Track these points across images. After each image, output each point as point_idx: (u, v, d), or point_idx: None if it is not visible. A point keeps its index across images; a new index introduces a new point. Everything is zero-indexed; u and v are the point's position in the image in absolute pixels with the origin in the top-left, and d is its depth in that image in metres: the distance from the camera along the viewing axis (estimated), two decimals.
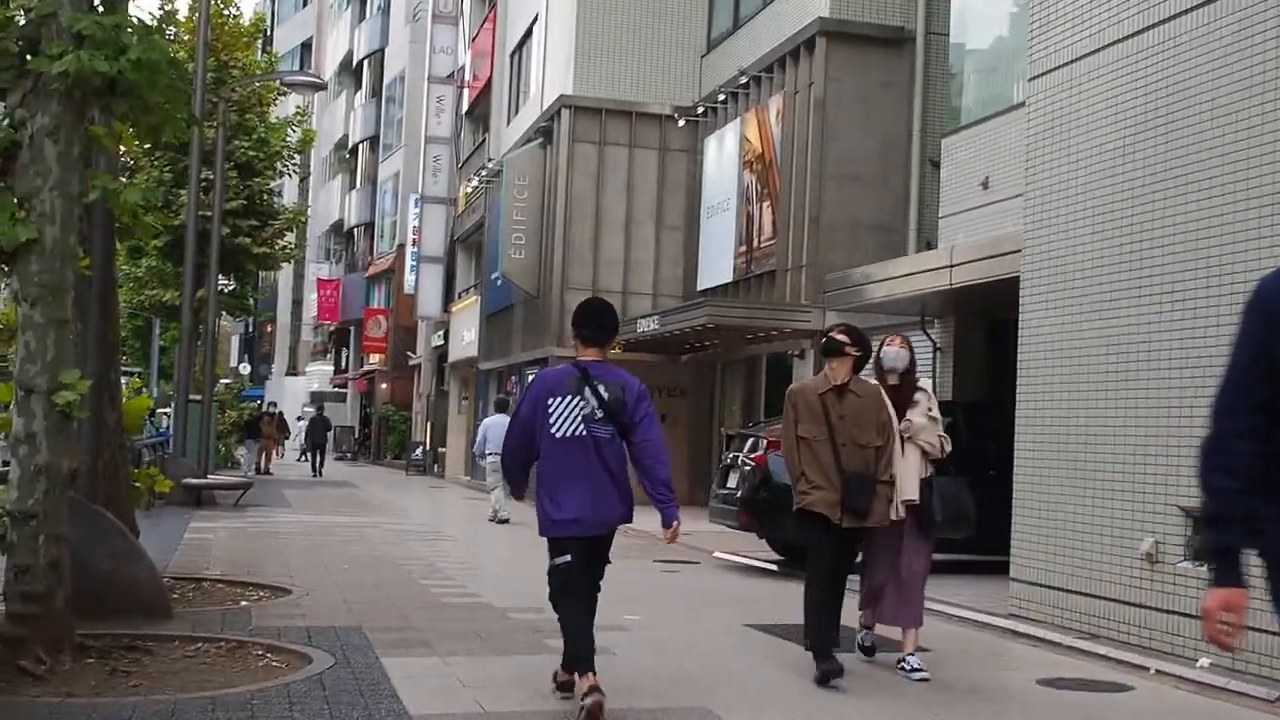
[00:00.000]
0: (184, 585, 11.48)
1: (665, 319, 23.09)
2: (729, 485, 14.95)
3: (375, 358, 51.31)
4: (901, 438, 8.34)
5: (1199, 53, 9.37)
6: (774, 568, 15.09)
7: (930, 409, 8.50)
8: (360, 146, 57.55)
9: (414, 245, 42.31)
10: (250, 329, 78.69)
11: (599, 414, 6.98)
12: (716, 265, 25.14)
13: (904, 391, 8.53)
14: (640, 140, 27.04)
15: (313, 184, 66.81)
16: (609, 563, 7.42)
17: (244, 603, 10.69)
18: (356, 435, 56.50)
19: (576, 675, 6.87)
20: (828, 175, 21.34)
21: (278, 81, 31.43)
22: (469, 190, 36.62)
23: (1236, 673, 8.54)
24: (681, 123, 26.54)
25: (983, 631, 10.69)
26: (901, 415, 8.39)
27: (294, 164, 36.54)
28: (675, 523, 7.10)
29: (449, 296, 40.09)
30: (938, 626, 10.73)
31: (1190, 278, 9.25)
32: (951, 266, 14.18)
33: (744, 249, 23.91)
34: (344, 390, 61.14)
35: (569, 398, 7.01)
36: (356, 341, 55.50)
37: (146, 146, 30.98)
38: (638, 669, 8.51)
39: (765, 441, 14.38)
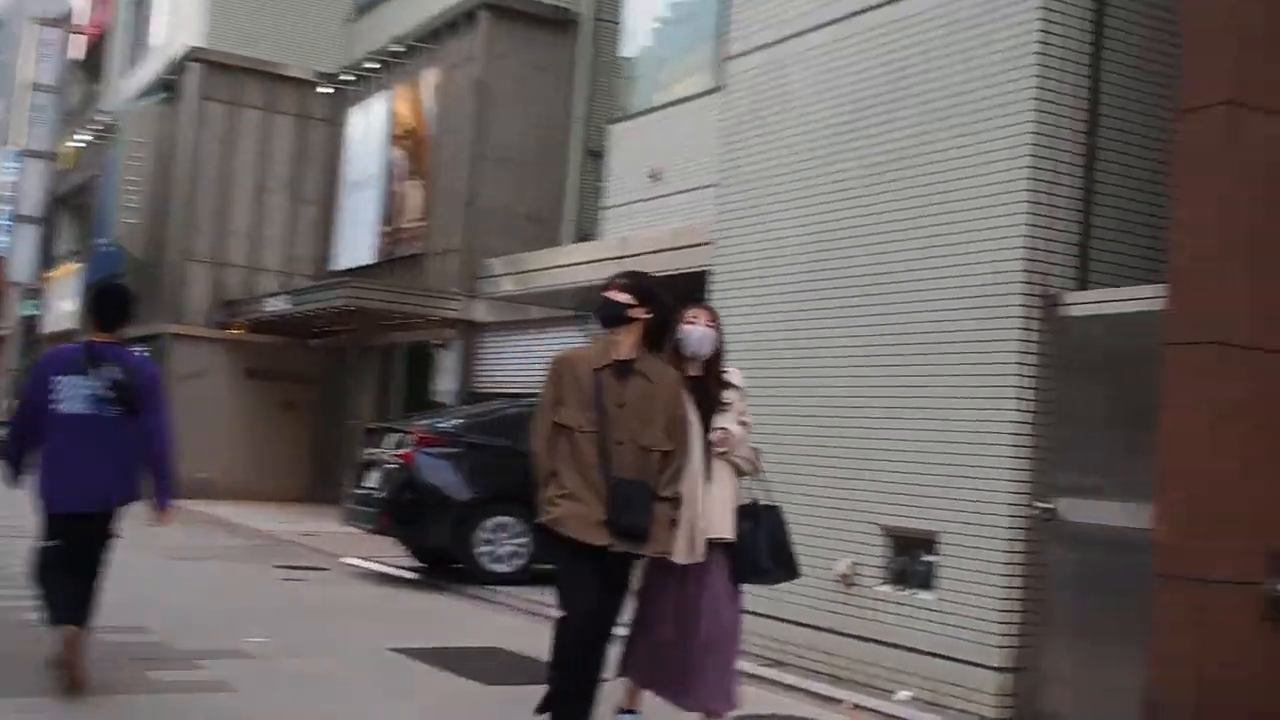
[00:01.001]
0: None
1: (298, 299, 21.24)
2: (368, 484, 13.42)
3: None
4: (710, 451, 6.38)
5: (927, 35, 8.62)
6: (413, 575, 13.67)
7: (743, 412, 6.61)
8: None
9: (8, 203, 38.45)
10: None
11: (108, 394, 7.00)
12: (356, 245, 23.43)
13: (708, 386, 6.45)
14: (278, 105, 24.97)
15: None
16: (111, 539, 7.29)
17: None
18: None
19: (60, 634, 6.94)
20: (485, 157, 20.04)
21: None
22: (78, 146, 33.35)
23: (937, 706, 7.92)
24: (327, 89, 24.66)
25: None
26: (705, 417, 6.40)
27: None
28: (169, 507, 7.30)
29: (47, 261, 36.53)
30: None
31: (890, 278, 8.55)
32: (623, 258, 13.13)
33: (388, 229, 22.32)
34: None
35: (76, 376, 7.01)
36: None
37: None
38: (271, 713, 6.97)
39: (413, 437, 12.95)
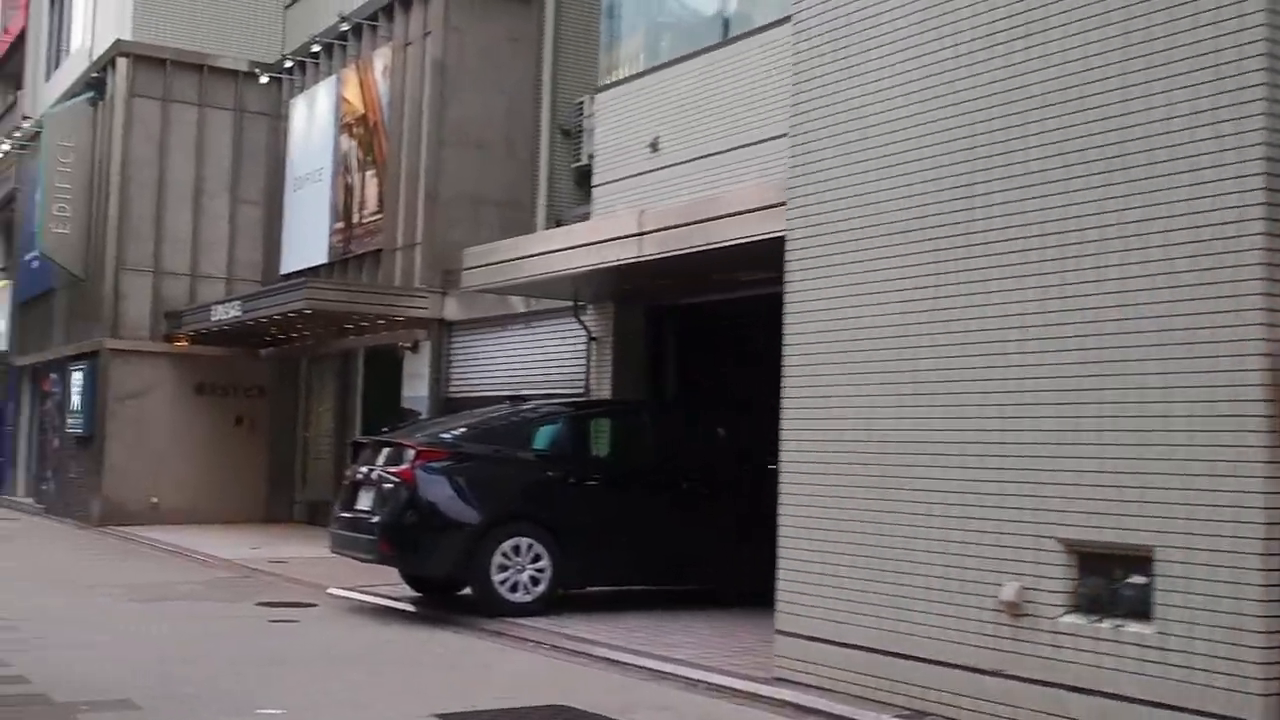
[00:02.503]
0: None
1: (250, 304, 19.53)
2: (360, 507, 11.80)
3: None
4: None
5: None
6: (412, 609, 12.09)
7: None
8: None
9: None
10: None
11: None
12: (307, 245, 21.73)
13: None
14: (212, 99, 23.16)
15: None
16: None
17: None
18: None
19: None
20: (447, 141, 18.44)
21: None
22: None
23: None
24: (264, 79, 22.93)
25: (750, 707, 8.06)
26: None
27: None
28: None
29: None
30: (680, 698, 8.13)
31: (1036, 235, 6.99)
32: (641, 235, 11.63)
33: (342, 225, 20.65)
34: None
35: None
36: None
37: None
38: None
39: (411, 452, 11.35)
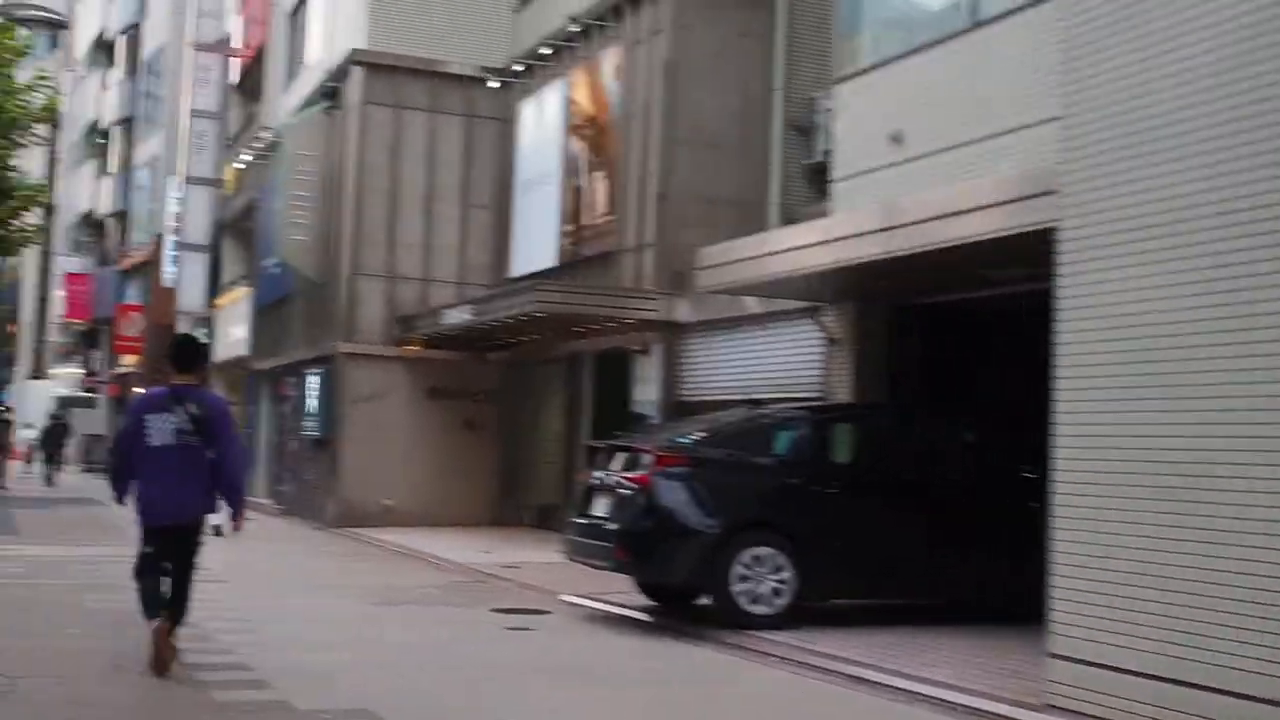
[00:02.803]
0: None
1: (482, 308, 19.52)
2: (596, 513, 11.48)
3: (129, 359, 46.17)
4: None
5: None
6: (647, 618, 11.72)
7: None
8: (113, 129, 52.17)
9: (174, 233, 37.55)
10: None
11: (189, 428, 8.34)
12: (535, 248, 21.65)
13: None
14: (443, 105, 23.32)
15: (62, 171, 60.85)
16: (198, 545, 8.62)
17: None
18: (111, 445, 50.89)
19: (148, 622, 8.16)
20: (678, 141, 18.11)
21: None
22: (239, 168, 32.24)
23: None
24: (494, 84, 22.97)
25: None
26: None
27: (35, 136, 31.58)
28: (240, 520, 8.75)
29: (214, 289, 35.56)
30: None
31: None
32: (890, 230, 11.02)
33: (571, 228, 20.49)
34: (94, 395, 55.49)
35: (163, 414, 8.38)
36: (109, 341, 50.19)
37: None
38: None
39: (649, 457, 10.97)
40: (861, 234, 11.42)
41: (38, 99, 30.32)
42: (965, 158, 12.18)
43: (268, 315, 28.69)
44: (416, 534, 20.18)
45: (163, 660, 8.05)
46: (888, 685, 8.67)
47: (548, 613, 12.08)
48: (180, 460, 8.32)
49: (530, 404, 23.19)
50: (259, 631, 10.31)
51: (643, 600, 12.25)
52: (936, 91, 12.75)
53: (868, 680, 8.85)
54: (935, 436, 12.40)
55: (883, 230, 11.07)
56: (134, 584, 8.40)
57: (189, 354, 8.85)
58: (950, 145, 12.34)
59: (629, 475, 11.07)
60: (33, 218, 34.12)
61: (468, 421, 23.11)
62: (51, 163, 58.46)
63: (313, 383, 23.88)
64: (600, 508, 11.42)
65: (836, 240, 11.89)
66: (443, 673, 8.92)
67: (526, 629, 11.05)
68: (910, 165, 12.96)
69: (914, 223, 10.72)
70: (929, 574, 11.39)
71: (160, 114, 44.62)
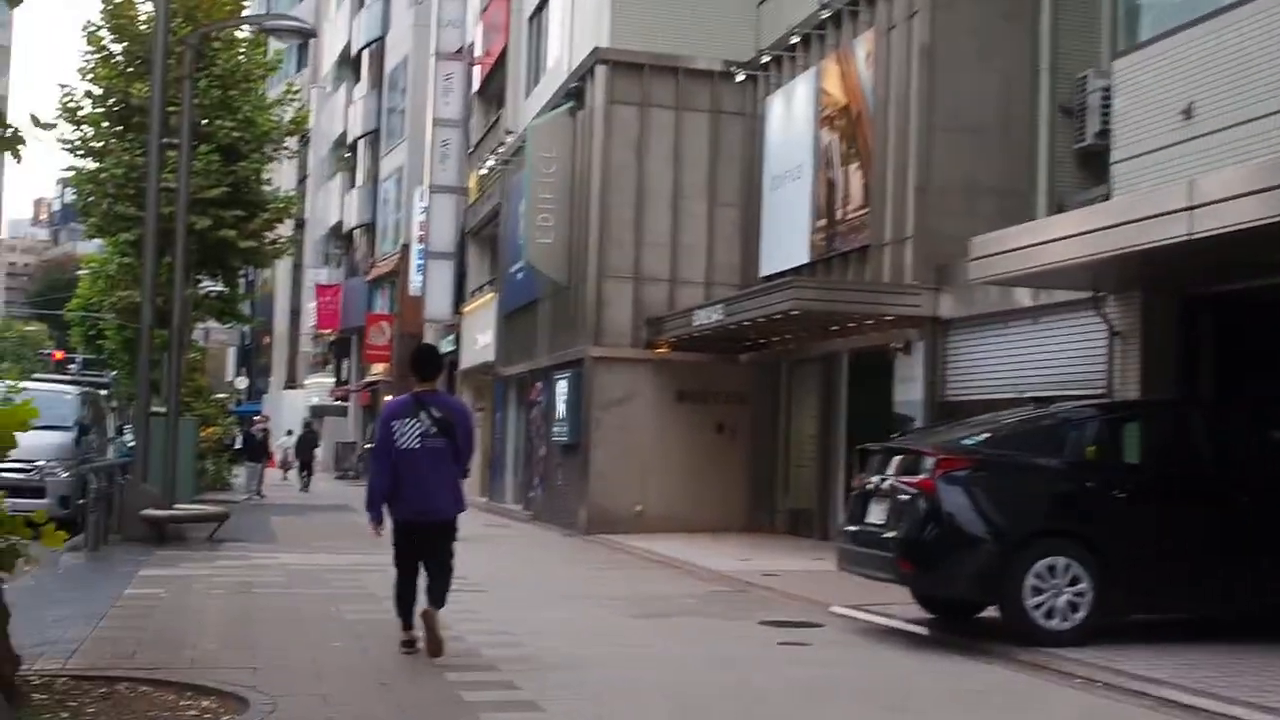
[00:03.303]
0: (84, 691, 7.46)
1: (733, 307, 18.99)
2: (871, 520, 10.76)
3: (379, 368, 47.15)
4: None
5: None
6: (926, 631, 10.96)
7: None
8: (360, 142, 53.48)
9: (420, 242, 38.10)
10: (247, 340, 74.59)
11: (433, 430, 9.14)
12: (785, 245, 21.01)
13: None
14: (688, 102, 22.86)
15: (311, 185, 62.77)
16: (454, 541, 9.36)
17: None
18: (360, 452, 52.04)
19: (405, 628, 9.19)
20: (937, 128, 17.25)
21: (259, 36, 27.29)
22: (482, 174, 32.43)
23: None
24: (740, 78, 22.43)
25: None
26: None
27: (285, 149, 32.32)
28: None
29: (460, 297, 35.93)
30: None
31: None
32: (1191, 209, 10.03)
33: (824, 223, 19.78)
34: (345, 404, 56.98)
35: (409, 419, 9.18)
36: (358, 351, 51.41)
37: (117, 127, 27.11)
38: None
39: (931, 460, 10.21)
40: (1155, 216, 10.42)
41: (287, 113, 31.03)
42: (1263, 130, 11.12)
43: (514, 320, 28.72)
44: (668, 540, 19.74)
45: (434, 644, 8.88)
46: (1214, 712, 7.78)
47: (819, 625, 11.41)
48: (428, 462, 9.10)
49: (782, 406, 22.54)
50: (523, 646, 9.89)
51: (918, 612, 11.48)
52: (1228, 62, 11.69)
53: (1191, 706, 7.96)
54: (1242, 434, 11.31)
55: (1182, 211, 10.08)
56: (392, 588, 9.32)
57: (428, 362, 9.63)
58: (1249, 118, 11.28)
59: (908, 480, 10.31)
60: (284, 230, 35.00)
61: (719, 425, 22.62)
62: (301, 177, 60.43)
63: (561, 387, 23.72)
64: (876, 515, 10.69)
65: (1125, 225, 10.90)
66: (720, 692, 8.35)
67: (801, 643, 10.39)
68: (1201, 141, 11.93)
69: (1222, 200, 9.70)
70: (1248, 586, 10.32)
71: (404, 127, 45.47)
